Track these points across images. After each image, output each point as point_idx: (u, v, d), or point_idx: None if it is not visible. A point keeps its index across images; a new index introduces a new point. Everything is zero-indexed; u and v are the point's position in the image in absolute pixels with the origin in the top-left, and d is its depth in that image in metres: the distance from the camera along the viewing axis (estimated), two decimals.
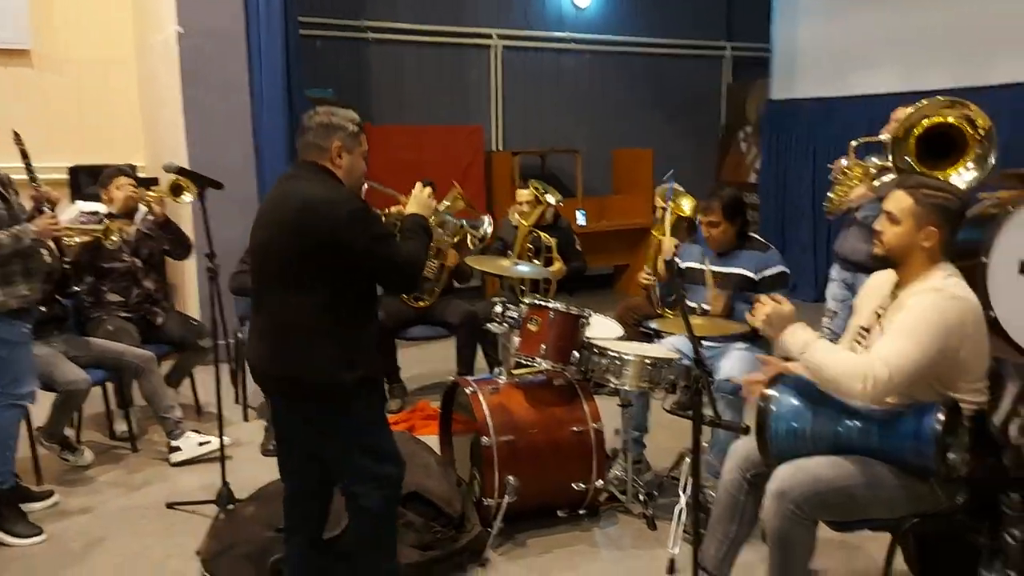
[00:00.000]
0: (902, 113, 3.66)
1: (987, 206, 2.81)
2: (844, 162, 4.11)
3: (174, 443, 3.98)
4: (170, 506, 3.54)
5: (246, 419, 4.67)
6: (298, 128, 2.45)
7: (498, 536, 3.14)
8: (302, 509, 2.63)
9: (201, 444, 4.00)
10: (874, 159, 3.96)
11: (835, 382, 2.21)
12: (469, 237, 3.46)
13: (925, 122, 3.09)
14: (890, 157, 3.14)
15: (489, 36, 7.85)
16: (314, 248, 2.27)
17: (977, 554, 2.27)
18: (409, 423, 4.45)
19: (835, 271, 4.45)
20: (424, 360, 5.44)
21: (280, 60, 5.67)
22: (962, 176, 3.03)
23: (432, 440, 3.70)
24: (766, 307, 2.33)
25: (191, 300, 5.68)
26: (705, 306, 3.53)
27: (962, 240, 2.67)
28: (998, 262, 2.59)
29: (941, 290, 2.22)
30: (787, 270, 3.55)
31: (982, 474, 2.23)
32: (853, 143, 4.02)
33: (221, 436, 3.56)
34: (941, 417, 2.11)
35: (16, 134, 3.56)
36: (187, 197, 4.19)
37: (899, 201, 2.33)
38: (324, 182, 2.37)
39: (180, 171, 3.49)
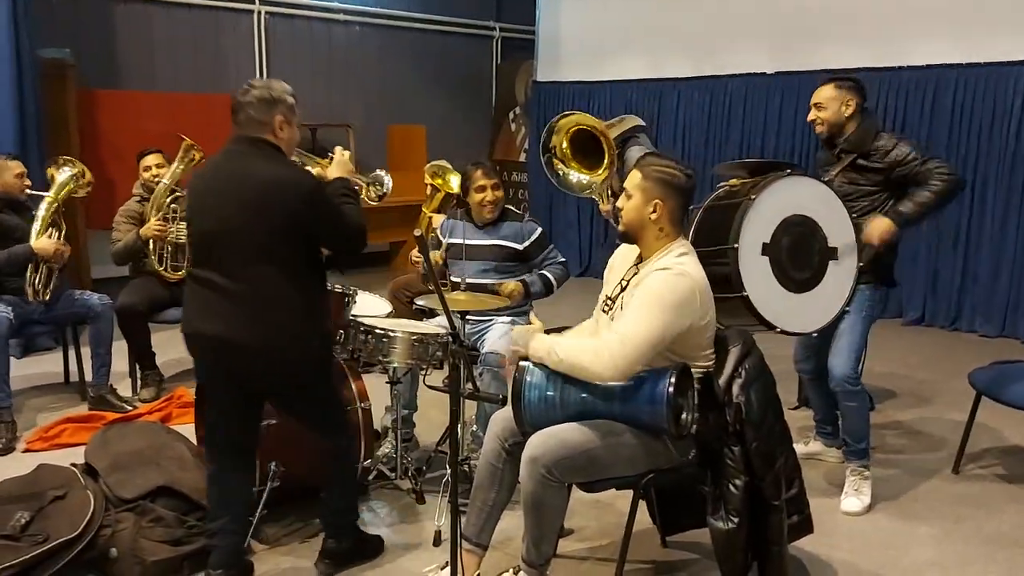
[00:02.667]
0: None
1: (726, 194, 3.05)
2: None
3: None
4: None
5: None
6: (233, 104, 2.48)
7: (263, 523, 3.02)
8: (235, 464, 2.69)
9: None
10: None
11: (581, 371, 2.34)
12: (372, 192, 3.33)
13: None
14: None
15: (252, 1, 7.46)
16: (282, 226, 2.39)
17: (705, 502, 2.50)
18: (165, 412, 4.18)
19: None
20: (181, 344, 5.08)
21: (6, 12, 5.06)
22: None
23: (190, 429, 3.48)
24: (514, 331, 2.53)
25: None
26: (471, 280, 3.59)
27: (711, 224, 2.89)
28: (747, 246, 2.79)
29: (671, 268, 2.38)
30: (543, 230, 3.80)
31: (708, 430, 2.45)
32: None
33: None
34: (673, 381, 2.29)
35: None
36: None
37: (632, 178, 2.50)
38: (277, 159, 2.48)
39: None
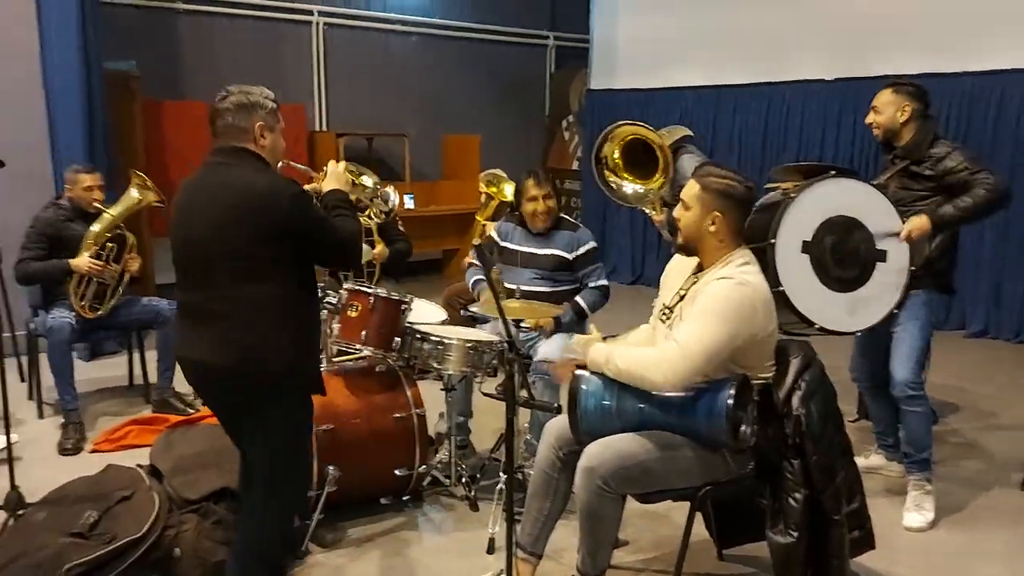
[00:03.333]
0: None
1: (773, 195, 3.06)
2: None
3: None
4: None
5: (41, 416, 4.32)
6: (210, 112, 2.36)
7: (319, 527, 3.07)
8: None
9: None
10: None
11: (640, 380, 2.33)
12: (376, 208, 3.32)
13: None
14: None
15: (310, 12, 7.61)
16: (264, 238, 2.24)
17: (763, 515, 2.46)
18: None
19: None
20: None
21: (75, 26, 5.21)
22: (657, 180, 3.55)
23: None
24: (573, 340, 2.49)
25: None
26: (524, 288, 3.61)
27: (755, 224, 2.90)
28: (784, 243, 2.84)
29: (732, 277, 2.36)
30: (596, 244, 3.75)
31: (767, 443, 2.42)
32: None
33: (8, 436, 3.26)
34: (732, 392, 2.27)
35: None
36: None
37: (690, 188, 2.48)
38: (256, 167, 2.33)
39: None
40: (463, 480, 3.47)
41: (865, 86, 6.38)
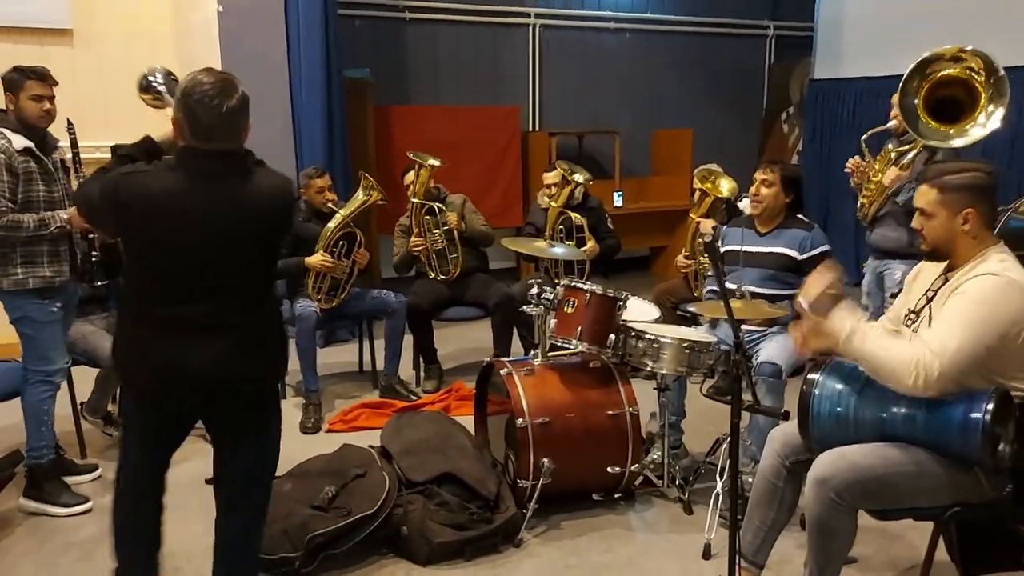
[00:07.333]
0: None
1: None
2: (856, 159, 4.06)
3: None
4: (209, 482, 3.58)
5: (284, 396, 4.73)
6: (212, 118, 2.03)
7: (533, 518, 3.13)
8: (148, 520, 2.54)
9: None
10: (889, 145, 3.90)
11: (883, 373, 2.16)
12: None
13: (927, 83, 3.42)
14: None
15: (527, 15, 7.78)
16: (276, 242, 2.25)
17: (1020, 544, 2.21)
18: (444, 403, 4.47)
19: (869, 261, 4.33)
20: (460, 341, 5.45)
21: (319, 39, 5.65)
22: (987, 120, 3.32)
23: (467, 421, 3.71)
24: (812, 288, 2.26)
25: None
26: (746, 288, 3.48)
27: (1016, 229, 2.62)
28: None
29: (997, 275, 2.15)
30: (830, 249, 3.51)
31: None
32: (863, 138, 3.98)
33: None
34: (991, 407, 2.05)
35: (69, 121, 3.53)
36: None
37: (925, 195, 2.27)
38: (263, 169, 2.18)
39: None
40: (676, 482, 3.41)
41: None
